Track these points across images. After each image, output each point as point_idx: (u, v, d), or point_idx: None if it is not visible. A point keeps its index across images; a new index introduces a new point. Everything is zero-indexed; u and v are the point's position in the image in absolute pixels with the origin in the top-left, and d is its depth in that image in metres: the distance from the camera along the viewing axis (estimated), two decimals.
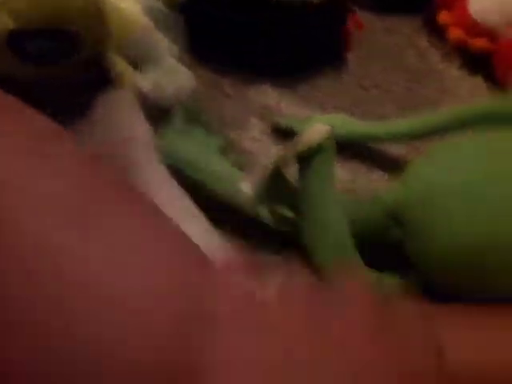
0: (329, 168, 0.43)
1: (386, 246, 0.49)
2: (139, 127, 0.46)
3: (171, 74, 0.46)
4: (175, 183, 0.47)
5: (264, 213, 0.45)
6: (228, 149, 0.54)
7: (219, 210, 0.48)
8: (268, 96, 0.59)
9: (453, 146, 0.45)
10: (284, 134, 0.55)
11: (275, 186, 0.44)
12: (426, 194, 0.42)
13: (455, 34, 0.63)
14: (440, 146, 0.46)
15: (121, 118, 0.46)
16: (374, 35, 0.66)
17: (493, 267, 0.40)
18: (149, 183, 0.46)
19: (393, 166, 0.54)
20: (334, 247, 0.43)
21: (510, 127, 0.44)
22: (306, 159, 0.43)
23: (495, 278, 0.40)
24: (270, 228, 0.47)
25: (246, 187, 0.45)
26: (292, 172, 0.45)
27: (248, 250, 0.48)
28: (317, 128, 0.42)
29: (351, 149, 0.56)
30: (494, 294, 0.41)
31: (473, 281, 0.41)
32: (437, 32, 0.66)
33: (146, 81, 0.46)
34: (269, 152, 0.54)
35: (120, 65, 0.50)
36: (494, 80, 0.61)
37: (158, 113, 0.47)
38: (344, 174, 0.55)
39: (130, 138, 0.45)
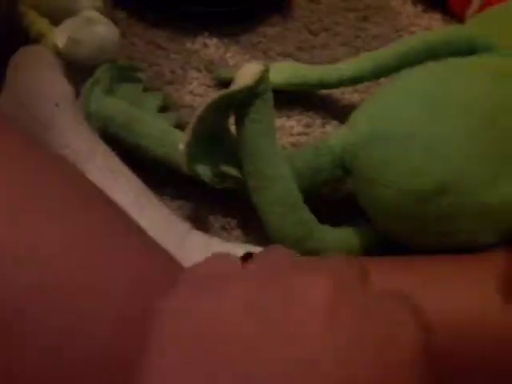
0: (266, 114, 0.39)
1: (340, 199, 0.46)
2: (59, 87, 0.42)
3: (90, 27, 0.42)
4: (107, 148, 0.44)
5: (201, 169, 0.41)
6: (168, 107, 0.50)
7: (157, 170, 0.45)
8: (209, 47, 0.54)
9: (398, 85, 0.41)
10: (227, 86, 0.51)
11: (208, 133, 0.40)
12: (369, 138, 0.38)
13: None
14: (386, 87, 0.42)
15: (39, 78, 0.42)
16: None
17: (439, 213, 0.36)
18: (77, 149, 0.42)
19: (348, 115, 0.51)
20: (279, 203, 0.40)
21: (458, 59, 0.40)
22: (241, 105, 0.39)
23: (443, 224, 0.37)
24: (211, 187, 0.43)
25: (182, 145, 0.41)
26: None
27: (190, 210, 0.45)
28: (249, 68, 0.38)
29: (303, 100, 0.52)
30: (444, 243, 0.37)
31: (418, 229, 0.38)
32: None
33: (61, 36, 0.41)
34: None
35: (38, 22, 0.45)
36: (450, 16, 0.58)
37: (80, 71, 0.43)
38: (297, 127, 0.51)
39: (49, 99, 0.41)
